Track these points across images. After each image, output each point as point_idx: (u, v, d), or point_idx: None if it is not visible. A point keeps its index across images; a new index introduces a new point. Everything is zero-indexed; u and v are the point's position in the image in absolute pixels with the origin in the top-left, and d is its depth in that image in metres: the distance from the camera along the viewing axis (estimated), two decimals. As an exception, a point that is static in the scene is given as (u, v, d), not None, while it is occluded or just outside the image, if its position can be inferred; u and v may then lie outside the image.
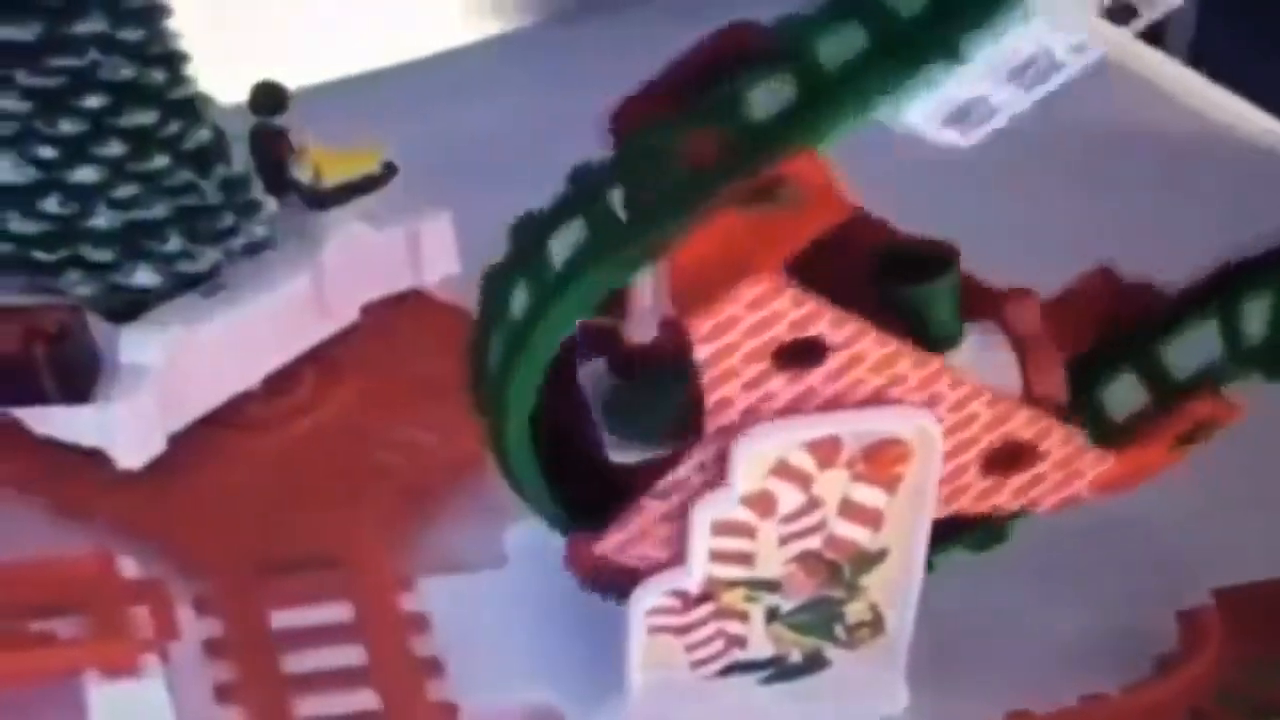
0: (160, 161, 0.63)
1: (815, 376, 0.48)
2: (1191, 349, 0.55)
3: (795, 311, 0.47)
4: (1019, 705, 0.56)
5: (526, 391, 0.49)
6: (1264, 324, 0.54)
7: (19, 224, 0.62)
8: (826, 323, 0.47)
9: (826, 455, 0.50)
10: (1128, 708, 0.56)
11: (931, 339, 0.49)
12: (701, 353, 0.47)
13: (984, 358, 0.51)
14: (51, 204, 0.62)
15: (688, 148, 0.45)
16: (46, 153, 0.61)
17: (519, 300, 0.48)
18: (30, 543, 0.59)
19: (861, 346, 0.48)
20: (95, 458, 0.62)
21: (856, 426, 0.50)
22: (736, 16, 0.46)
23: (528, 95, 0.83)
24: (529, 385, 0.49)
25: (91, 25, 0.61)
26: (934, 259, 0.49)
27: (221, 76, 0.65)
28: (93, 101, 0.61)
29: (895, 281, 0.49)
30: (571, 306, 0.47)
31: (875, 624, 0.55)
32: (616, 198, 0.47)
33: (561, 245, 0.47)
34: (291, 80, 0.68)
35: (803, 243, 0.46)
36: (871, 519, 0.52)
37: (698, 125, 0.46)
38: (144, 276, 0.63)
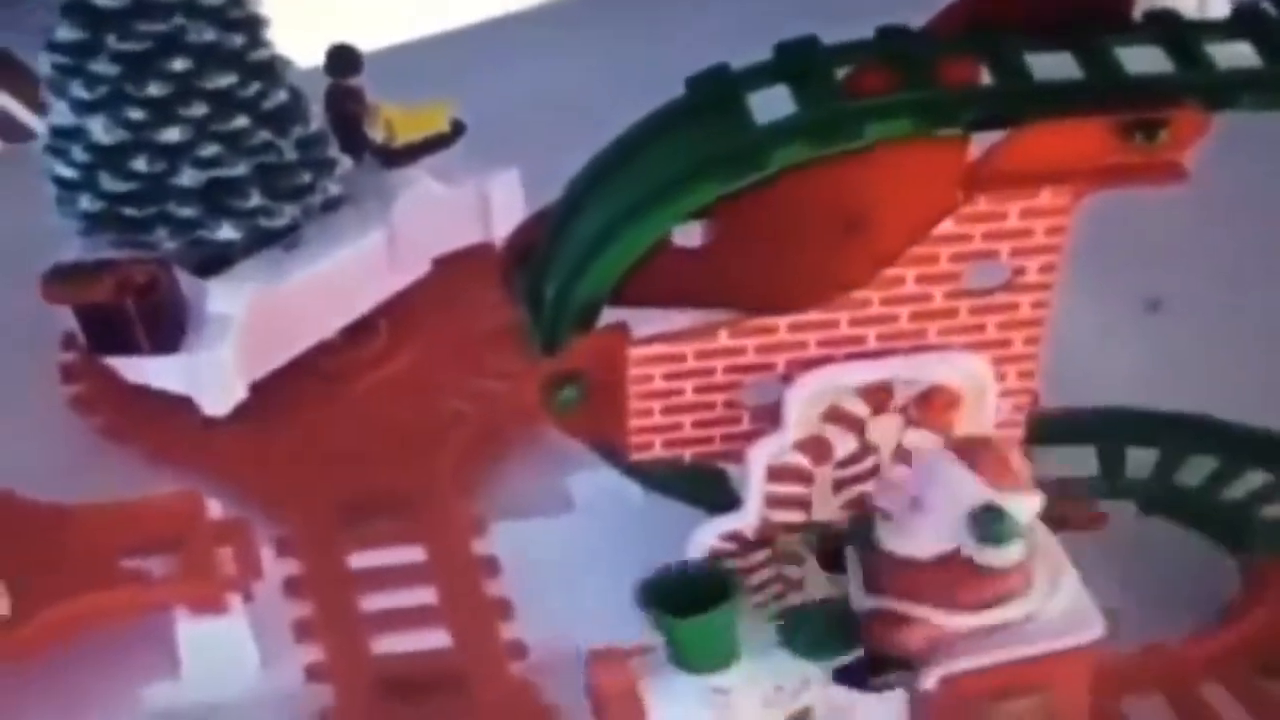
0: (241, 122, 0.65)
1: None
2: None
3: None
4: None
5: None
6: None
7: (110, 182, 0.64)
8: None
9: (879, 401, 0.51)
10: (1192, 655, 0.56)
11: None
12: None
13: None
14: (140, 163, 0.64)
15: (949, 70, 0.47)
16: (136, 114, 0.64)
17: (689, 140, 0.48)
18: (123, 486, 0.61)
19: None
20: (184, 405, 0.65)
21: (906, 372, 0.51)
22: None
23: (593, 56, 0.84)
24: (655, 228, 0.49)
25: None
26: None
27: (298, 39, 0.67)
28: (178, 64, 0.63)
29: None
30: (763, 164, 0.47)
31: (931, 568, 0.56)
32: (840, 79, 0.48)
33: (764, 106, 0.48)
34: (364, 42, 0.69)
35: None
36: (927, 464, 0.53)
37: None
38: (227, 232, 0.65)
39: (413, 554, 0.61)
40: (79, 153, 0.64)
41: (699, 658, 0.46)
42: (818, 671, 0.46)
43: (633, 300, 0.51)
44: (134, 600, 0.57)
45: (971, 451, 0.46)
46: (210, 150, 0.64)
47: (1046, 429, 0.57)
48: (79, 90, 0.64)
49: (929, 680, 0.46)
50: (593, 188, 0.50)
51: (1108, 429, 0.62)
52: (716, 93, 0.49)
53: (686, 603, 0.45)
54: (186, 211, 0.65)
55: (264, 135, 0.66)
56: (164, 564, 0.58)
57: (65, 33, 0.63)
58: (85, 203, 0.65)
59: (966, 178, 0.49)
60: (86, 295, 0.64)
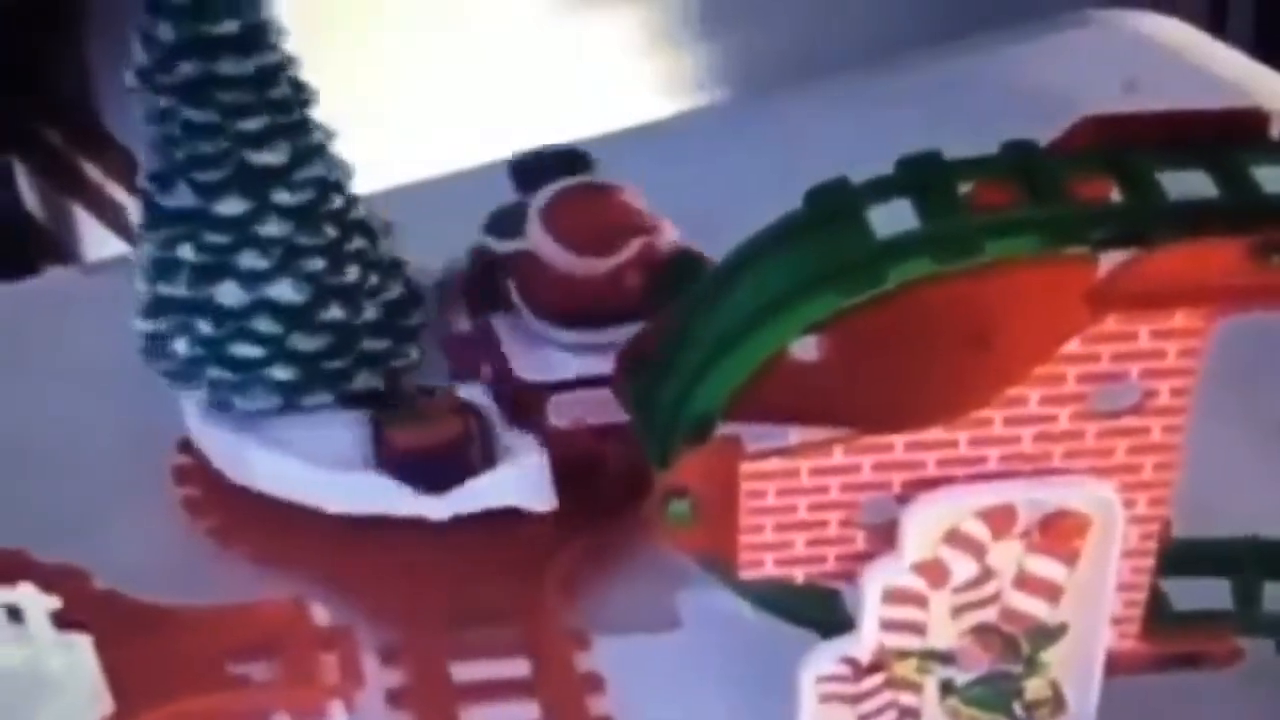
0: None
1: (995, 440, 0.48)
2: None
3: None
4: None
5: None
6: None
7: (305, 342, 0.62)
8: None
9: (1000, 524, 0.50)
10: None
11: None
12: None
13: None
14: (333, 311, 0.62)
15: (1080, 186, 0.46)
16: (316, 264, 0.62)
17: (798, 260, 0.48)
18: (230, 589, 0.61)
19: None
20: (293, 510, 0.65)
21: (1030, 496, 0.49)
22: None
23: (715, 167, 0.85)
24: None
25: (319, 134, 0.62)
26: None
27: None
28: (337, 201, 0.63)
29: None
30: (882, 278, 0.47)
31: (1056, 702, 0.54)
32: (964, 194, 0.47)
33: (884, 219, 0.47)
34: (475, 156, 0.70)
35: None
36: (1050, 592, 0.51)
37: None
38: (414, 352, 0.65)
39: (516, 667, 0.60)
40: (267, 325, 0.62)
41: None
42: None
43: (747, 414, 0.51)
44: (236, 705, 0.57)
45: None
46: (375, 278, 0.64)
47: (1179, 560, 0.54)
48: (254, 260, 0.61)
49: None
50: (708, 299, 0.50)
51: (1244, 561, 0.59)
52: (836, 206, 0.48)
53: None
54: (379, 345, 0.64)
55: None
56: (268, 669, 0.58)
57: (227, 206, 0.61)
58: (279, 374, 0.63)
59: (1095, 296, 0.47)
60: (438, 435, 0.62)
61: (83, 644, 0.56)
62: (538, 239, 0.63)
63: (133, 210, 0.84)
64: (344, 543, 0.65)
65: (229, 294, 0.62)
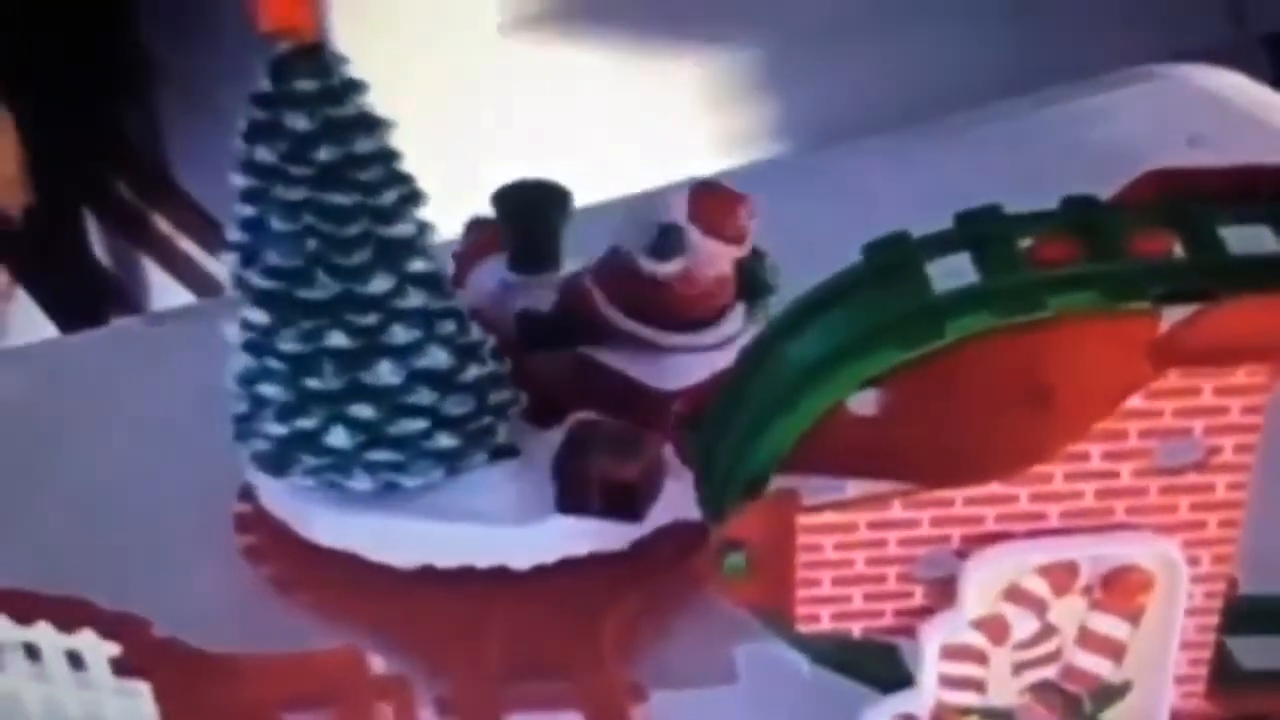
0: None
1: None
2: None
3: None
4: None
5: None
6: None
7: (458, 405, 0.62)
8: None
9: (1062, 581, 0.49)
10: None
11: None
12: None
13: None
14: (472, 370, 0.63)
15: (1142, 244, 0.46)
16: (449, 326, 0.62)
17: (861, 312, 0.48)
18: (288, 638, 0.61)
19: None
20: (352, 560, 0.65)
21: (1091, 552, 0.48)
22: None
23: (784, 218, 0.85)
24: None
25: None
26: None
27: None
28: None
29: None
30: (941, 332, 0.46)
31: (1119, 762, 0.53)
32: (1024, 248, 0.47)
33: (943, 273, 0.47)
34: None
35: None
36: (1113, 650, 0.51)
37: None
38: (523, 397, 0.65)
39: (571, 720, 0.60)
40: (424, 395, 0.62)
41: None
42: None
43: (804, 467, 0.50)
44: (291, 753, 0.57)
45: None
46: (478, 330, 0.64)
47: (1246, 617, 0.54)
48: (404, 334, 0.61)
49: None
50: (767, 352, 0.50)
51: None
52: (894, 260, 0.48)
53: None
54: (504, 395, 0.64)
55: None
56: (324, 717, 0.58)
57: (374, 286, 0.60)
58: (443, 442, 0.63)
59: (1157, 351, 0.47)
60: (646, 462, 0.63)
61: (142, 691, 0.56)
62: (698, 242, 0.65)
63: (201, 261, 0.85)
64: (401, 593, 0.65)
65: (386, 372, 0.61)
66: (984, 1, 1.55)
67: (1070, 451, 0.48)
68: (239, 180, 0.61)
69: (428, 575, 0.64)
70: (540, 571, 0.64)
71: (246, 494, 0.68)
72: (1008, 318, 0.46)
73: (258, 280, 0.61)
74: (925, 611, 0.50)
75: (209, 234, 0.95)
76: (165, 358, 0.71)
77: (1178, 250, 0.47)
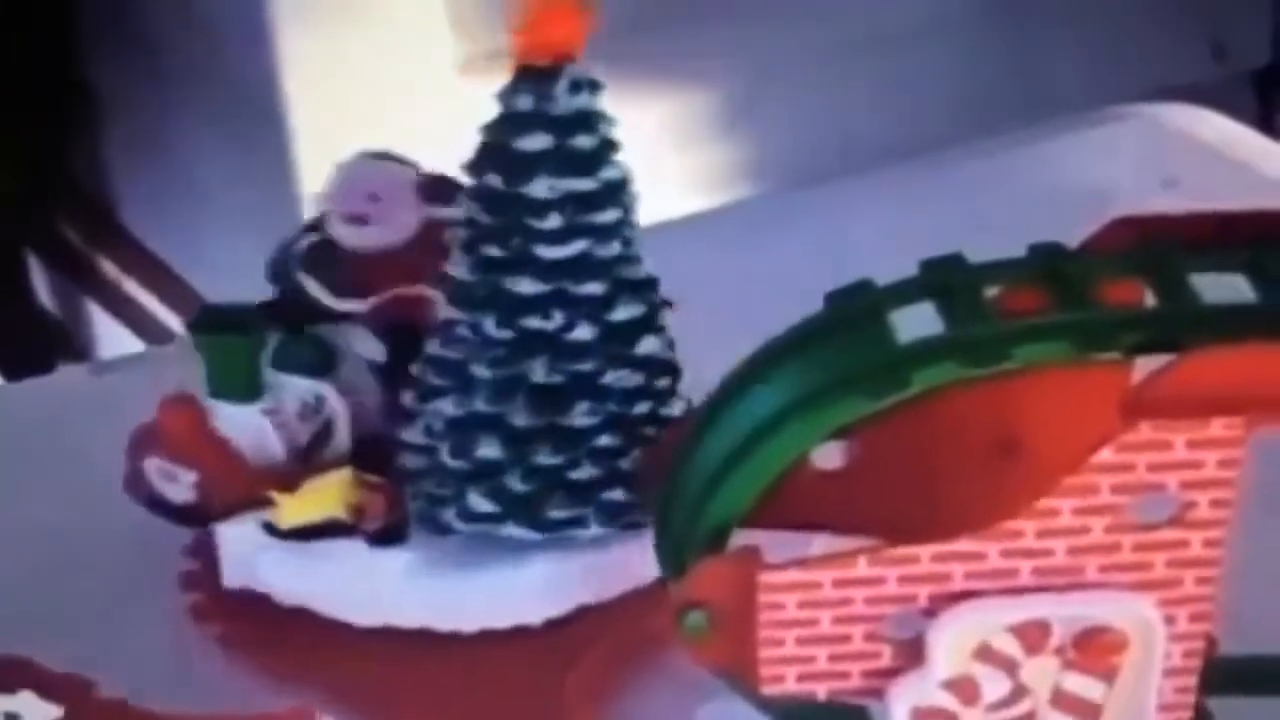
0: None
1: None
2: None
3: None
4: None
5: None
6: None
7: (547, 458, 0.61)
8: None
9: (1034, 640, 0.47)
10: None
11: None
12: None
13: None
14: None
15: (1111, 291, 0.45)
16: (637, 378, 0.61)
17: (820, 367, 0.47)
18: (236, 698, 0.59)
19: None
20: (301, 617, 0.63)
21: (1063, 611, 0.47)
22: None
23: (751, 261, 0.84)
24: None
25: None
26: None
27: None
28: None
29: None
30: (905, 383, 0.45)
31: (1096, 826, 0.52)
32: (990, 297, 0.46)
33: (907, 323, 0.46)
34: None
35: None
36: (1088, 712, 0.49)
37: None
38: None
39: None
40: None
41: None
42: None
43: (767, 523, 0.49)
44: (239, 820, 0.55)
45: None
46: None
47: (1225, 678, 0.52)
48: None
49: None
50: (726, 403, 0.49)
51: None
52: (857, 308, 0.47)
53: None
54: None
55: None
56: (274, 780, 0.56)
57: (579, 333, 0.60)
58: (514, 484, 0.61)
59: (1128, 403, 0.46)
60: None
61: (83, 755, 0.54)
62: None
63: (148, 306, 0.83)
64: (354, 652, 0.63)
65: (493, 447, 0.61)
66: (963, 39, 1.55)
67: (1040, 507, 0.46)
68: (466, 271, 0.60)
69: (381, 633, 0.63)
70: (498, 631, 0.63)
71: (195, 550, 0.66)
72: (973, 369, 0.45)
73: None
74: (894, 672, 0.48)
75: (157, 276, 0.93)
76: (112, 407, 0.69)
77: (1149, 299, 0.46)
